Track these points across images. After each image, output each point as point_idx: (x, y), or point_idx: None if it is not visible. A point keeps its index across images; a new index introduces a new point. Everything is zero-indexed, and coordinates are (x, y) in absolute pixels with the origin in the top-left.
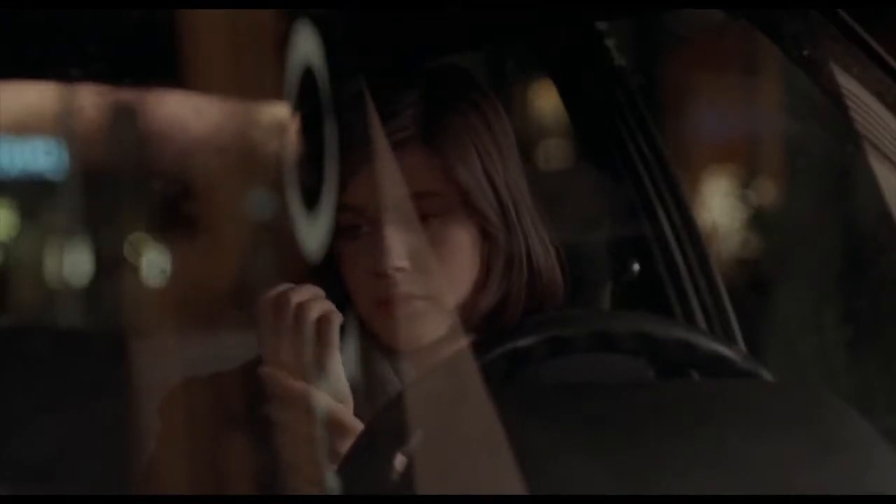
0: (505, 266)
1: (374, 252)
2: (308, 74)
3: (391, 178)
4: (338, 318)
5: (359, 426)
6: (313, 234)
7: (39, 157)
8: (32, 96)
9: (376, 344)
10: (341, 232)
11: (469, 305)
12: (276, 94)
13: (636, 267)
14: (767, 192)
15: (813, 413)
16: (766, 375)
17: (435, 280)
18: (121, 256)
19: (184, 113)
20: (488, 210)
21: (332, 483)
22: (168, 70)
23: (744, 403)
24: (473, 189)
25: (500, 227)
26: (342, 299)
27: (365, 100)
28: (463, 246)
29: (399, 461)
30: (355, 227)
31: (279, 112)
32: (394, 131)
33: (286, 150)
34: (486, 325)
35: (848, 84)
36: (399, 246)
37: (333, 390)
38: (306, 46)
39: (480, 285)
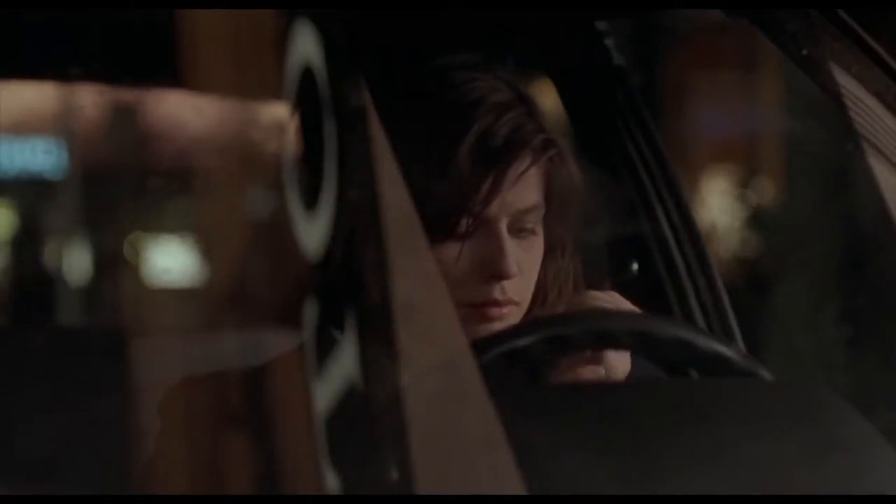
0: (557, 273)
1: (493, 257)
2: (308, 74)
3: (522, 190)
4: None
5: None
6: (313, 233)
7: (39, 156)
8: (32, 96)
9: None
10: (447, 231)
11: (531, 307)
12: (276, 93)
13: (635, 266)
14: (766, 191)
15: (813, 412)
16: (766, 375)
17: (526, 287)
18: (120, 256)
19: (183, 113)
20: (565, 219)
21: (333, 483)
22: (167, 70)
23: (743, 403)
24: (567, 199)
25: (564, 238)
26: (344, 298)
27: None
28: (541, 253)
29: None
30: (471, 231)
31: (279, 112)
32: (532, 150)
33: (286, 150)
34: None
35: (847, 83)
36: (513, 254)
37: None
38: (306, 46)
39: (538, 287)
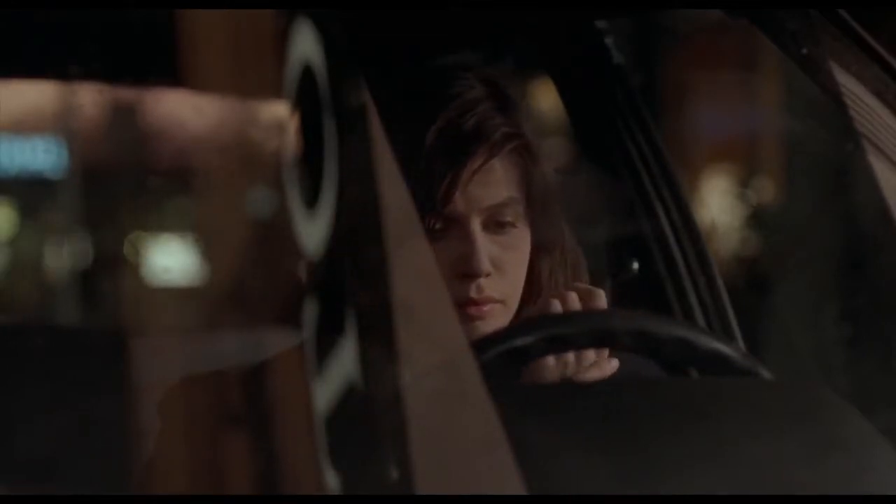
0: (552, 266)
1: (465, 255)
2: (307, 73)
3: (488, 185)
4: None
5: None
6: (313, 233)
7: (39, 155)
8: (32, 95)
9: None
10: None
11: (521, 306)
12: (276, 93)
13: (635, 265)
14: (766, 190)
15: (813, 411)
16: (766, 374)
17: (509, 285)
18: (120, 255)
19: (183, 112)
20: (550, 215)
21: (333, 482)
22: (167, 70)
23: (743, 402)
24: (544, 194)
25: (554, 230)
26: (344, 298)
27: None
28: (526, 250)
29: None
30: (441, 229)
31: (278, 111)
32: (492, 143)
33: (286, 150)
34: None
35: (847, 82)
36: (486, 251)
37: None
38: (306, 45)
39: (532, 285)
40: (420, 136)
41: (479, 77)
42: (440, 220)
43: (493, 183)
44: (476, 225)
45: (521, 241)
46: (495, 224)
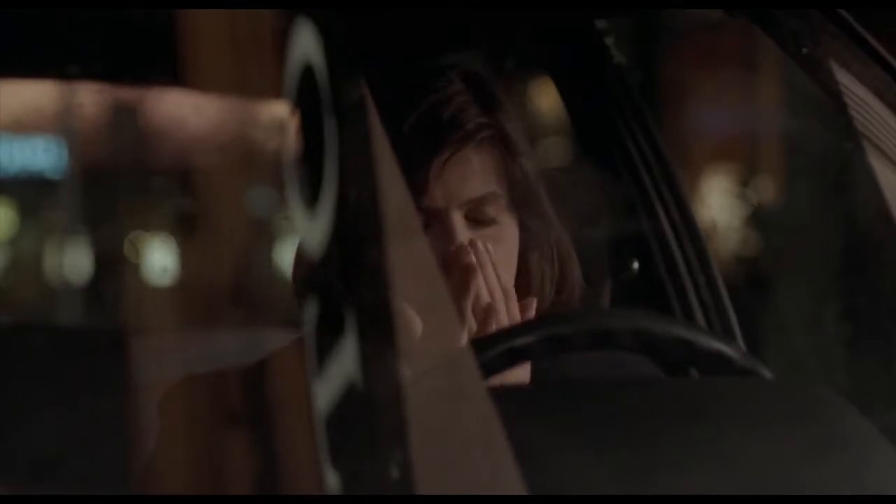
0: (540, 260)
1: (447, 249)
2: (308, 73)
3: (466, 177)
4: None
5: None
6: (313, 232)
7: (39, 155)
8: (32, 95)
9: None
10: None
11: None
12: (276, 92)
13: (635, 265)
14: (766, 189)
15: (813, 411)
16: (766, 373)
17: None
18: (120, 255)
19: (183, 111)
20: (535, 208)
21: (333, 482)
22: (167, 69)
23: (743, 402)
24: (527, 187)
25: (541, 223)
26: (342, 296)
27: (368, 99)
28: (514, 244)
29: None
30: (423, 225)
31: (279, 111)
32: (465, 133)
33: (286, 149)
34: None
35: (847, 82)
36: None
37: None
38: (306, 45)
39: (521, 279)
40: (398, 130)
41: (461, 74)
42: (421, 215)
43: (470, 175)
44: (457, 218)
45: (506, 235)
46: (476, 220)
